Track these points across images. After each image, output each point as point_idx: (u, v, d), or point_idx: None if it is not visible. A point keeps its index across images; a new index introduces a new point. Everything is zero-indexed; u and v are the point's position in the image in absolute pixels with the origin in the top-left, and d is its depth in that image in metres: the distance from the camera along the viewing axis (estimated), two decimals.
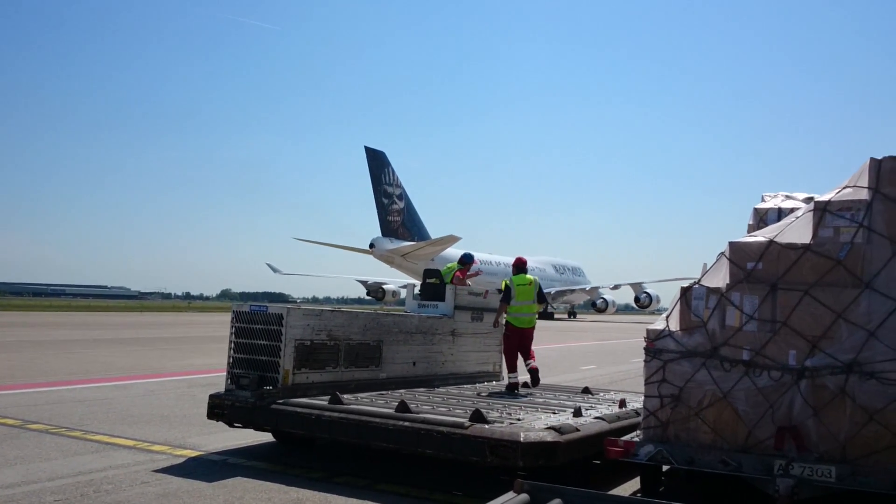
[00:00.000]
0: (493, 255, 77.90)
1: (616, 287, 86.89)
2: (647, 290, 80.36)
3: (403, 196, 71.25)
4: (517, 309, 10.73)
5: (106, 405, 11.33)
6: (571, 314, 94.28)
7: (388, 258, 68.43)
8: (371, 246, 69.17)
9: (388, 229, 69.16)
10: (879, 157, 6.03)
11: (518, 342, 10.82)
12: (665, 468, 6.63)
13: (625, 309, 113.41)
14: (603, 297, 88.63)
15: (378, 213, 68.94)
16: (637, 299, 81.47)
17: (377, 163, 69.06)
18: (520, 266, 11.13)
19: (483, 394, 9.72)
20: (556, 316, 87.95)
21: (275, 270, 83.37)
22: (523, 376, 10.62)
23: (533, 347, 10.89)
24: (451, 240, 64.08)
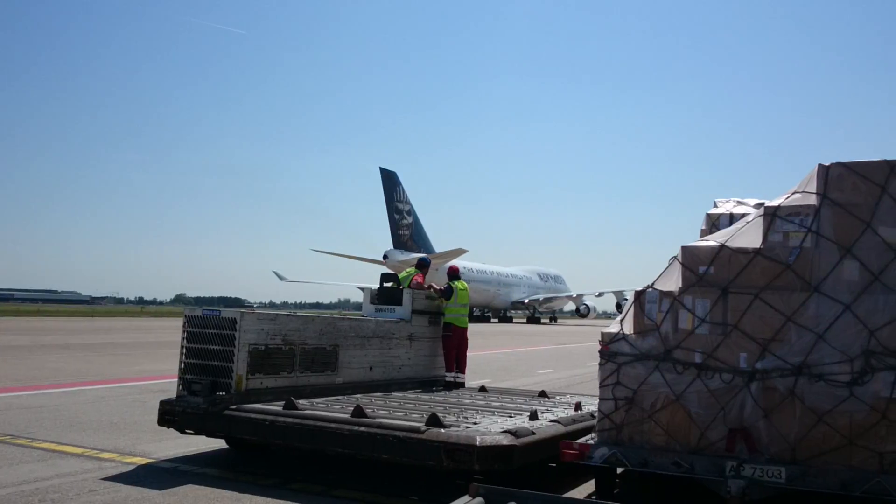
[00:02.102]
0: (486, 264, 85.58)
1: (600, 294, 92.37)
2: (628, 297, 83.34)
3: (412, 212, 78.54)
4: (457, 311, 11.78)
5: (54, 412, 11.04)
6: (553, 319, 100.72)
7: (399, 268, 72.39)
8: (384, 257, 73.34)
9: (398, 242, 75.92)
10: (827, 164, 6.16)
11: (457, 342, 11.76)
12: (619, 470, 6.68)
13: (612, 315, 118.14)
14: (585, 304, 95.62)
15: (390, 227, 76.13)
16: (619, 306, 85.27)
17: (390, 182, 76.62)
18: (456, 272, 12.26)
19: (440, 398, 9.70)
20: (542, 321, 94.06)
21: (281, 278, 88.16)
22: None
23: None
24: (458, 252, 69.92)
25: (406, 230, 77.45)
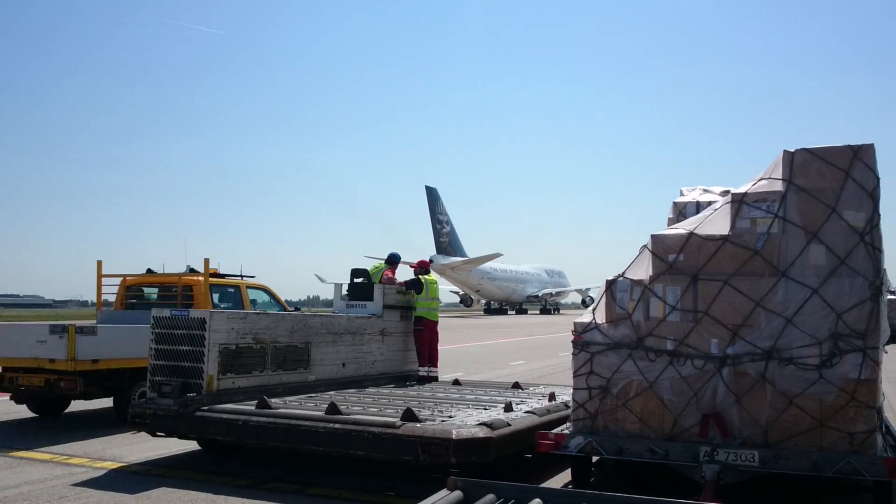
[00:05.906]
0: (505, 264, 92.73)
1: None
2: None
3: (449, 222, 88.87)
4: (428, 304, 11.79)
5: (19, 418, 10.83)
6: (556, 310, 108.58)
7: (442, 271, 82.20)
8: (430, 261, 78.58)
9: (440, 248, 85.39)
10: (792, 150, 6.23)
11: (429, 336, 11.76)
12: (595, 459, 6.72)
13: None
14: (590, 296, 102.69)
15: (434, 235, 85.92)
16: None
17: (432, 197, 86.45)
18: (426, 266, 12.40)
19: (414, 392, 9.68)
20: (551, 312, 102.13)
21: (322, 280, 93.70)
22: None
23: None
24: (494, 256, 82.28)
25: (446, 238, 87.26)
